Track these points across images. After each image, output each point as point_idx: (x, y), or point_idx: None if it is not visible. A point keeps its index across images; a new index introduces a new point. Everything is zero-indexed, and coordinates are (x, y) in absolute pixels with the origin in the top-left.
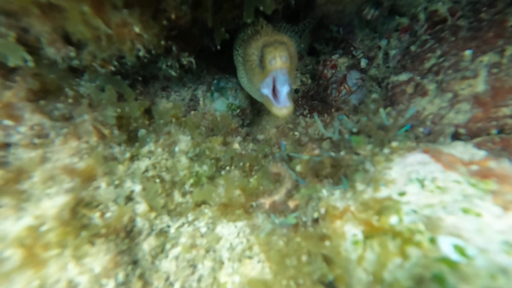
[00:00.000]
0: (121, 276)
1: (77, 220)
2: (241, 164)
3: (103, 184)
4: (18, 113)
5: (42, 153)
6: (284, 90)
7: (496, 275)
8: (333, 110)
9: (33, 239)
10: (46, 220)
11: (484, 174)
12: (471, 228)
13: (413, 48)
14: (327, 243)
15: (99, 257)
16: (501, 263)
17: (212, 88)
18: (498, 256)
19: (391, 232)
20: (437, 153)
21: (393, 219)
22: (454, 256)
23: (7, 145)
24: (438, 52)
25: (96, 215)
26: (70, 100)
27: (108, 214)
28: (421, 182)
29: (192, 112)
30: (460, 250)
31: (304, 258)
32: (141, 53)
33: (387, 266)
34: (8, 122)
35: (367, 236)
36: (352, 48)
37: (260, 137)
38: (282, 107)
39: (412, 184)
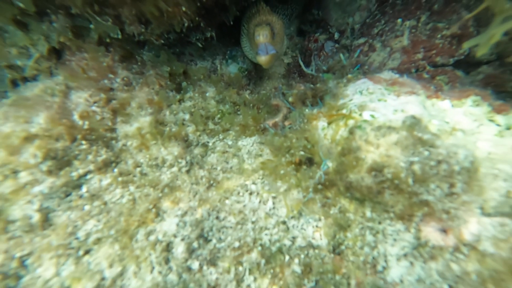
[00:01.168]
0: (188, 158)
1: (158, 129)
2: (251, 105)
3: (167, 112)
4: (115, 70)
5: (130, 95)
6: (270, 51)
7: (386, 123)
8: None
9: (140, 135)
10: (144, 127)
11: (393, 83)
12: (380, 106)
13: (368, 20)
14: (307, 133)
15: (174, 148)
16: (390, 118)
17: (227, 56)
18: (390, 115)
19: (342, 116)
20: (373, 77)
21: (344, 111)
22: (369, 118)
23: (111, 89)
24: (382, 21)
25: (167, 129)
26: (139, 63)
27: (173, 129)
28: (361, 92)
29: (213, 75)
30: (372, 116)
31: (294, 140)
32: (186, 25)
33: (338, 132)
34: (111, 75)
35: (329, 123)
36: (328, 26)
37: (262, 92)
38: (261, 55)
39: (356, 94)
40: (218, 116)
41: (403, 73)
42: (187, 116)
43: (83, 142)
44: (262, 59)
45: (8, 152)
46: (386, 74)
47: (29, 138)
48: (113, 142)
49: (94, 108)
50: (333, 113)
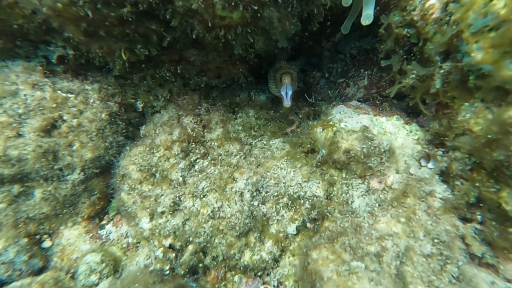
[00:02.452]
0: (244, 151)
1: (227, 135)
2: (276, 119)
3: (229, 126)
4: (201, 103)
5: (210, 117)
6: (290, 93)
7: (351, 129)
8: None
9: (219, 139)
10: (219, 134)
11: (357, 108)
12: (349, 120)
13: (345, 68)
14: (311, 135)
15: (237, 145)
16: (354, 126)
17: (258, 90)
18: (354, 125)
19: (329, 125)
20: (346, 104)
21: (331, 123)
22: (344, 126)
23: (199, 114)
24: (353, 69)
25: (231, 135)
26: (212, 99)
27: (234, 135)
28: (340, 112)
29: (250, 102)
30: (345, 125)
31: (304, 139)
32: (240, 77)
33: (328, 134)
34: (199, 107)
35: (323, 129)
36: (321, 68)
37: (281, 111)
38: (287, 103)
39: (338, 113)
40: (257, 127)
41: (365, 101)
42: (240, 128)
43: (193, 143)
44: (287, 106)
45: (165, 148)
46: (354, 102)
47: (173, 142)
48: (205, 143)
49: (195, 125)
50: (325, 123)
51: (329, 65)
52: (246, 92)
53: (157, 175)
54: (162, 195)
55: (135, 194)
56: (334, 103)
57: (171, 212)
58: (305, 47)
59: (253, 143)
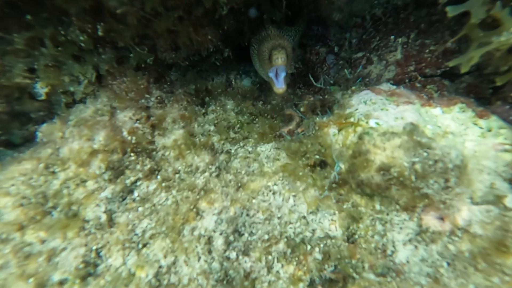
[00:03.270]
0: (216, 165)
1: (191, 140)
2: (266, 114)
3: (195, 125)
4: (150, 90)
5: (164, 111)
6: (282, 75)
7: (389, 129)
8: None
9: (177, 146)
10: (179, 138)
11: (392, 94)
12: (383, 115)
13: (364, 36)
14: (320, 138)
15: (205, 156)
16: (392, 124)
17: (240, 72)
18: (392, 122)
19: (350, 124)
20: (373, 88)
21: (352, 119)
22: (375, 125)
23: (148, 107)
24: (377, 38)
25: (197, 140)
26: (169, 83)
27: (202, 140)
28: (365, 102)
29: (229, 89)
30: (377, 123)
31: (309, 145)
32: (211, 49)
33: (348, 137)
34: (147, 95)
35: (339, 129)
36: (328, 41)
37: (273, 102)
38: (279, 87)
39: (361, 104)
40: (238, 126)
41: (398, 83)
42: (212, 128)
43: (132, 154)
44: (280, 91)
45: (78, 165)
46: (385, 85)
47: (93, 153)
48: (154, 153)
49: (137, 124)
50: (342, 121)
51: (338, 36)
52: (223, 75)
53: (56, 213)
54: (64, 249)
55: (7, 251)
56: (353, 88)
57: (78, 281)
58: (307, 1)
59: (232, 151)
